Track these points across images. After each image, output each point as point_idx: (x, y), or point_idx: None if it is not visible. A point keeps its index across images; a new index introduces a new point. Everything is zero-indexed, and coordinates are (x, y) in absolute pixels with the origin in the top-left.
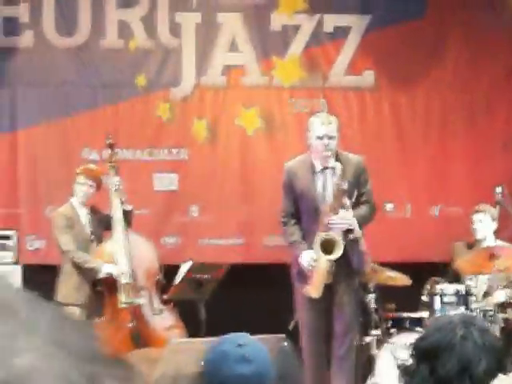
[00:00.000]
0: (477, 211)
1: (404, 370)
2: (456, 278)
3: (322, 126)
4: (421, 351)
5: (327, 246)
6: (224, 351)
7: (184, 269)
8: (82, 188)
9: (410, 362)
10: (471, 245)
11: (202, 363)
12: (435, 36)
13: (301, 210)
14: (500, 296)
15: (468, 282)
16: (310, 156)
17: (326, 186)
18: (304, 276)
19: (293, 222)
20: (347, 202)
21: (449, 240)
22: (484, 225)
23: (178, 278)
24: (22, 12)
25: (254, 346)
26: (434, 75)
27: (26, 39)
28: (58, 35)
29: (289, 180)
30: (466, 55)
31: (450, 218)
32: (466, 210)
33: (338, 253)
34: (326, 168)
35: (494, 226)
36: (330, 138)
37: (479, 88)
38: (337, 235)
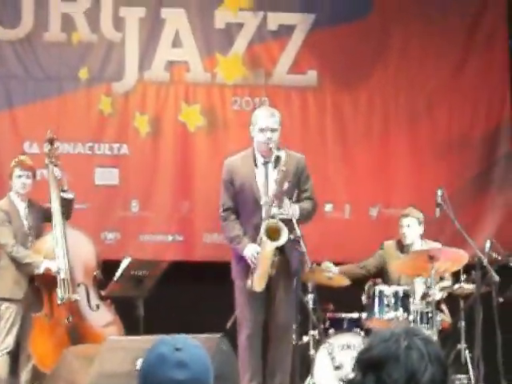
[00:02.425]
0: (405, 215)
1: (349, 383)
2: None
3: (265, 118)
4: (365, 363)
5: (272, 234)
6: (161, 354)
7: (123, 265)
8: (20, 180)
9: (353, 375)
10: (401, 245)
11: (139, 364)
12: (379, 36)
13: (240, 205)
14: (438, 297)
15: (406, 284)
16: (253, 150)
17: (268, 178)
18: (247, 271)
19: (232, 217)
20: (292, 190)
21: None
22: (413, 229)
23: (117, 275)
24: None
25: (193, 351)
26: (377, 75)
27: None
28: (0, 27)
29: (229, 175)
30: (409, 55)
31: (388, 219)
32: None
33: (283, 239)
34: (267, 162)
35: (421, 230)
36: (273, 130)
37: (422, 89)
38: (281, 223)
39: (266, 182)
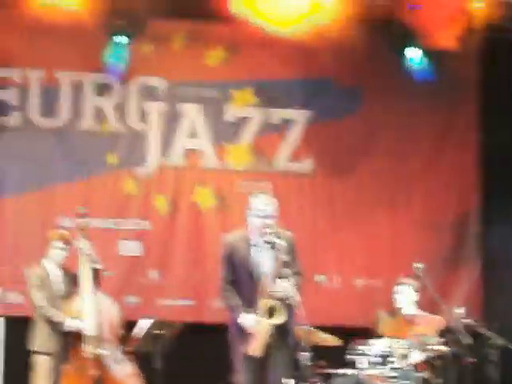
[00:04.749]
0: (400, 283)
1: None
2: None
3: (263, 206)
4: None
5: (270, 312)
6: None
7: (143, 324)
8: (60, 252)
9: None
10: (393, 312)
11: None
12: (366, 130)
13: (238, 279)
14: (417, 357)
15: (388, 345)
16: (247, 231)
17: (262, 257)
18: (245, 336)
19: (231, 288)
20: (288, 272)
21: (370, 308)
22: (405, 295)
23: (138, 333)
24: (12, 96)
25: None
26: (364, 164)
27: (14, 119)
28: (41, 117)
29: (228, 253)
30: (393, 148)
31: (371, 288)
32: (385, 282)
33: (280, 318)
34: (261, 243)
35: (415, 296)
36: (272, 217)
37: (402, 177)
38: (279, 303)
39: (259, 258)
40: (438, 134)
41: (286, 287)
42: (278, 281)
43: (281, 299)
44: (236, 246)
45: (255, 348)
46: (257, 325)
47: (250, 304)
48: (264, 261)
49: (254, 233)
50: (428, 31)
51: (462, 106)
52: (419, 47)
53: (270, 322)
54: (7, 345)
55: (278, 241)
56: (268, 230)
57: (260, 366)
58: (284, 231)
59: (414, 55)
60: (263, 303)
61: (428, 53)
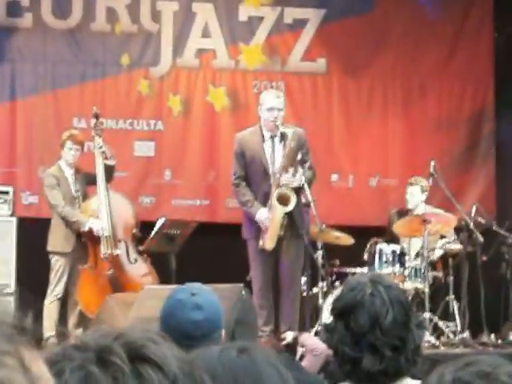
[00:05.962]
0: (410, 184)
1: (325, 328)
2: (393, 240)
3: (272, 99)
4: (337, 310)
5: (282, 200)
6: (179, 299)
7: (158, 225)
8: (71, 152)
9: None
10: (403, 212)
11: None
12: (380, 29)
13: (250, 175)
14: (436, 254)
15: (403, 244)
16: (260, 126)
17: (274, 151)
18: (257, 232)
19: (244, 184)
20: (300, 169)
21: (384, 207)
22: (415, 196)
23: (152, 233)
24: None
25: (206, 295)
26: (377, 63)
27: (26, 21)
28: (53, 18)
29: (240, 148)
30: (405, 47)
31: (386, 187)
32: (400, 181)
33: (291, 205)
34: (273, 137)
35: (424, 196)
36: (279, 110)
37: (415, 75)
38: (290, 191)
39: (273, 154)
40: (453, 31)
41: (296, 176)
42: (290, 170)
43: (292, 187)
44: (247, 141)
45: (268, 241)
46: (269, 217)
47: (262, 199)
48: (276, 155)
49: (265, 127)
50: None
51: (478, 2)
52: None
53: (282, 209)
54: (19, 245)
55: (289, 131)
56: (278, 122)
57: (272, 258)
58: (295, 127)
59: None
60: (275, 192)
61: None
